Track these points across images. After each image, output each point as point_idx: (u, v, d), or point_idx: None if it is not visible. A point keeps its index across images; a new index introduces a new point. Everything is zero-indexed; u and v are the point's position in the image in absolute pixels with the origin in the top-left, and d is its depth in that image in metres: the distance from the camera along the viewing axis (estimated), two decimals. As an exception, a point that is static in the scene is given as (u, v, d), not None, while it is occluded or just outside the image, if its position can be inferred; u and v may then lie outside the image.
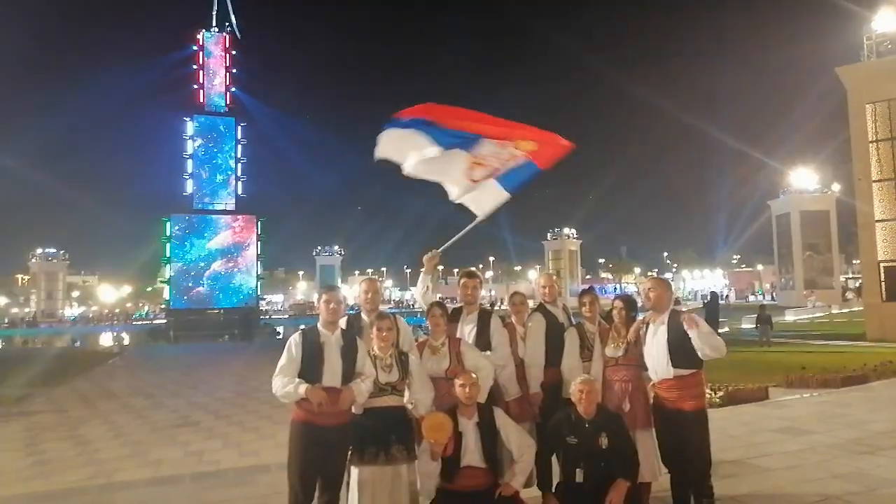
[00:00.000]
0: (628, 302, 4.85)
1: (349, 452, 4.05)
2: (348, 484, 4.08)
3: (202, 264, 41.41)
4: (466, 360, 4.39)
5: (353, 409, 4.09)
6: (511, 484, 4.11)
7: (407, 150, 5.00)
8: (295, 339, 4.11)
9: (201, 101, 42.63)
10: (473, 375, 4.22)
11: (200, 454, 7.37)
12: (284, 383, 3.94)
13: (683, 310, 4.67)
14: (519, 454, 4.19)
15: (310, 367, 3.99)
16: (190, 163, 41.75)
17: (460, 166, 5.08)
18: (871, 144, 19.05)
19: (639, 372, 4.62)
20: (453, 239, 5.24)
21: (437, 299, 4.84)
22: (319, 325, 4.17)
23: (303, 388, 3.89)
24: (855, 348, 15.97)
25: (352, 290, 40.94)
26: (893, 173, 18.74)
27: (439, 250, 5.10)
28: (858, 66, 19.78)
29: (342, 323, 4.35)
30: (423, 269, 5.08)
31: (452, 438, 4.03)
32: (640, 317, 4.73)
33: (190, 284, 41.32)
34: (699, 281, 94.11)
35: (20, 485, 6.29)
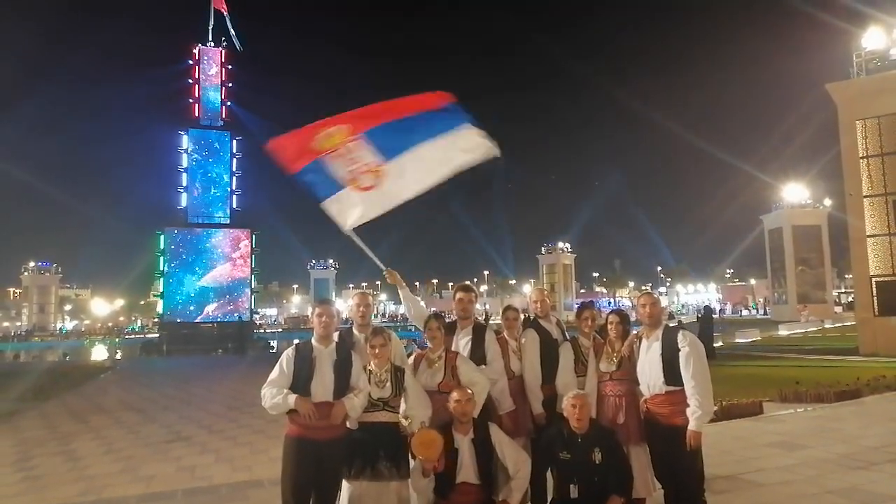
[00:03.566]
0: (623, 316, 4.86)
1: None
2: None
3: (196, 277, 41.31)
4: (462, 375, 4.38)
5: (348, 424, 4.08)
6: (508, 501, 4.09)
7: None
8: (288, 354, 4.12)
9: (197, 114, 42.73)
10: (469, 391, 4.21)
11: (193, 469, 7.31)
12: (273, 394, 3.96)
13: (674, 324, 4.68)
14: (515, 470, 4.16)
15: (301, 381, 4.00)
16: (185, 176, 41.77)
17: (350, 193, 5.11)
18: (861, 160, 19.26)
19: (632, 386, 4.62)
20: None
21: (433, 311, 4.84)
22: (313, 340, 4.18)
23: (292, 398, 3.90)
24: (848, 362, 16.02)
25: (346, 304, 40.84)
26: (884, 189, 18.94)
27: (385, 267, 5.10)
28: (848, 83, 20.02)
29: (335, 337, 4.34)
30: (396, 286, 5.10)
31: (444, 455, 4.01)
32: (634, 331, 4.75)
33: (183, 298, 41.17)
34: (693, 295, 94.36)
35: (10, 501, 6.23)
